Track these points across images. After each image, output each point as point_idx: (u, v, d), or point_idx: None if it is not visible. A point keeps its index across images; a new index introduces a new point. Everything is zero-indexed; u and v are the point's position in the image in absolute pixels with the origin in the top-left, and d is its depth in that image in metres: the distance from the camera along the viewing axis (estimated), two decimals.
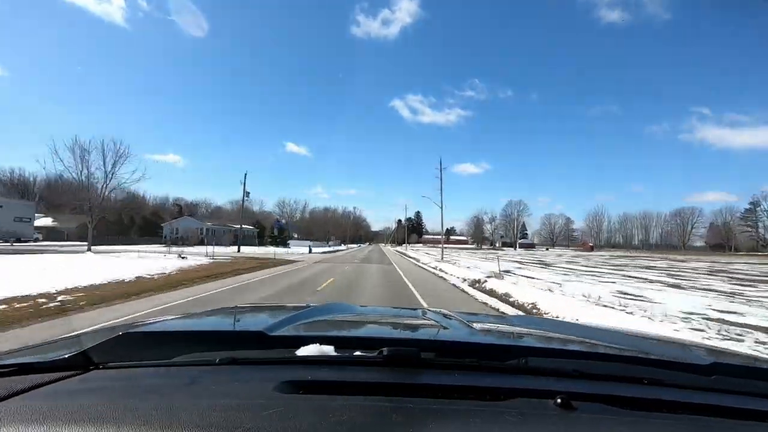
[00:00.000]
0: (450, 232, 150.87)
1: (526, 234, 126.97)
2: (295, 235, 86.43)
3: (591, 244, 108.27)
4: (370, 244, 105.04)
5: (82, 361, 0.86)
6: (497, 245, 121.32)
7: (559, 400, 0.69)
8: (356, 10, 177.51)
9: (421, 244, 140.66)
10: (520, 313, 8.16)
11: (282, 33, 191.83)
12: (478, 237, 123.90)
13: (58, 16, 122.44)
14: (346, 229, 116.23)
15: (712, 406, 0.74)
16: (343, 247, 77.17)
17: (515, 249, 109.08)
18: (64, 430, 0.56)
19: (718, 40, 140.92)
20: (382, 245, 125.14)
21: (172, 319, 1.44)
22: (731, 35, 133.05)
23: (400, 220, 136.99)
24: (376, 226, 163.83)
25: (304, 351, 0.88)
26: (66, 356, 0.86)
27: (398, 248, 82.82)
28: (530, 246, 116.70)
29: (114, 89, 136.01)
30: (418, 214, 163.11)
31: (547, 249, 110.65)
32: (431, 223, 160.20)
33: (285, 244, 56.73)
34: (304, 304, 1.69)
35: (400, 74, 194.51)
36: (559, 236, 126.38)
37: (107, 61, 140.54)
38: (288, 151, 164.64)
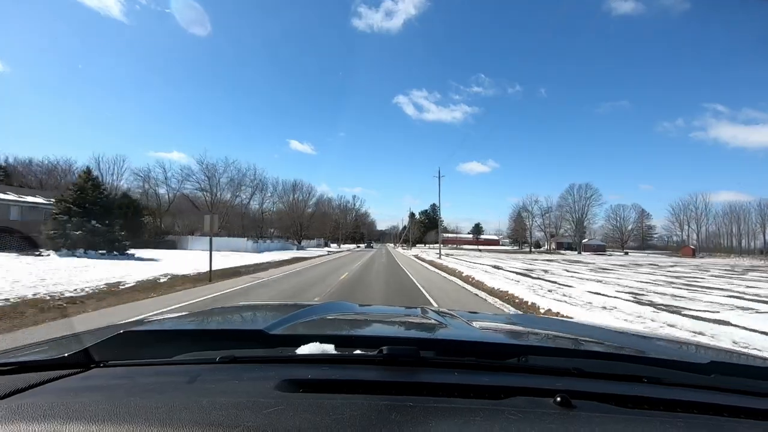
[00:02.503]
0: (477, 230, 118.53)
1: (583, 232, 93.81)
2: (272, 231, 54.76)
3: (692, 247, 75.46)
4: (369, 246, 70.90)
5: (83, 360, 0.87)
6: (548, 247, 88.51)
7: (558, 399, 0.68)
8: (357, 1, 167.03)
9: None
10: None
11: (281, 25, 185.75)
12: (520, 237, 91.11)
13: (54, 9, 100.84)
14: (342, 225, 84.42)
15: (710, 405, 0.74)
16: (324, 251, 44.75)
17: (579, 253, 76.53)
18: (65, 428, 0.56)
19: (733, 34, 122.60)
20: (390, 246, 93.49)
21: (172, 317, 1.46)
22: (748, 28, 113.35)
23: (412, 213, 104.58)
24: (381, 225, 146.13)
25: (304, 349, 0.89)
26: (67, 354, 0.86)
27: (419, 253, 50.33)
28: (599, 249, 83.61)
29: (113, 86, 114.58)
30: (434, 206, 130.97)
31: (626, 253, 77.82)
32: (448, 219, 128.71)
33: (118, 248, 20.68)
34: (305, 303, 1.68)
35: (403, 70, 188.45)
36: (631, 235, 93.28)
37: (107, 59, 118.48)
38: (292, 149, 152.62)
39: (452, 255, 45.74)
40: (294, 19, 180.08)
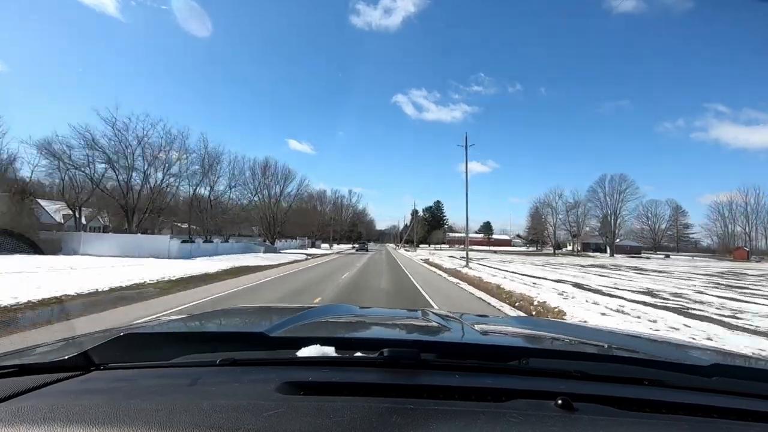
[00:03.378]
0: (488, 229, 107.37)
1: (615, 231, 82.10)
2: (250, 227, 43.64)
3: (747, 249, 64.31)
4: (363, 247, 53.02)
5: (83, 362, 0.86)
6: (574, 248, 77.26)
7: (560, 401, 0.68)
8: None
9: (447, 245, 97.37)
10: None
11: (278, 23, 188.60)
12: (540, 236, 79.82)
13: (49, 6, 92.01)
14: (336, 222, 73.21)
15: (712, 407, 0.73)
16: (301, 256, 33.56)
17: (611, 255, 65.38)
18: (65, 430, 0.56)
19: (736, 32, 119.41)
20: (391, 247, 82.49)
21: (172, 320, 1.47)
22: (750, 26, 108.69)
23: (415, 211, 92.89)
24: (380, 225, 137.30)
25: (304, 352, 0.90)
26: (67, 357, 0.86)
27: (428, 257, 39.41)
28: (634, 251, 72.27)
29: (108, 84, 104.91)
30: (438, 204, 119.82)
31: (666, 256, 66.67)
32: (452, 219, 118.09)
33: None
34: (305, 305, 1.73)
35: (402, 68, 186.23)
36: (664, 235, 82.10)
37: (102, 56, 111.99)
38: (291, 149, 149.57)
39: (473, 260, 34.73)
40: (290, 16, 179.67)
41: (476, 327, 1.30)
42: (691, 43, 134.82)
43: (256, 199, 38.78)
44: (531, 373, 0.88)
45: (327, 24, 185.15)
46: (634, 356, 0.99)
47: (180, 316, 1.49)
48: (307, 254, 34.12)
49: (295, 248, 45.00)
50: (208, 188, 31.21)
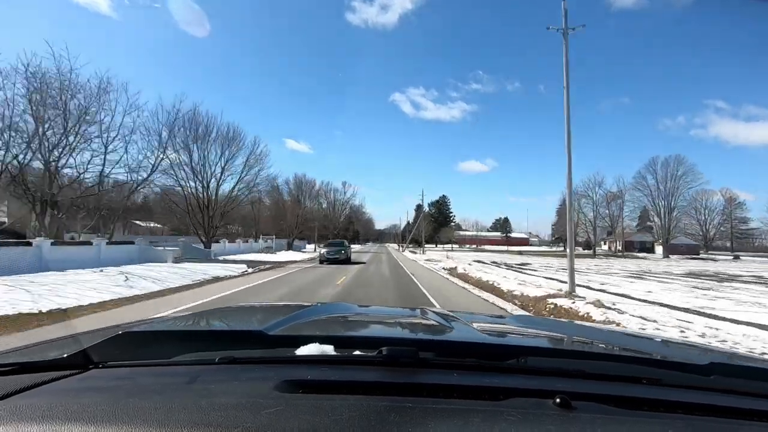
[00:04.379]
0: (504, 227, 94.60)
1: (651, 226, 68.90)
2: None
3: None
4: (337, 254, 22.99)
5: (81, 360, 0.86)
6: (614, 248, 64.39)
7: (558, 400, 0.68)
8: None
9: (457, 245, 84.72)
10: None
11: (274, 21, 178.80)
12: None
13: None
14: (330, 218, 60.56)
15: (710, 406, 0.73)
16: (234, 269, 20.35)
17: (665, 256, 52.67)
18: (63, 428, 0.56)
19: (738, 27, 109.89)
20: (392, 247, 69.94)
21: (171, 318, 1.45)
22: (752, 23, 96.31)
23: (419, 205, 79.80)
24: (380, 225, 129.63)
25: (303, 350, 0.90)
26: (65, 355, 0.87)
27: (451, 263, 26.72)
28: (691, 251, 59.16)
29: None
30: (444, 198, 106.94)
31: (736, 257, 53.87)
32: (462, 213, 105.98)
33: None
34: (305, 304, 1.68)
35: (400, 67, 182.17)
36: (717, 231, 69.20)
37: (96, 56, 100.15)
38: (289, 149, 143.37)
39: (528, 267, 22.20)
40: (286, 13, 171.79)
41: (475, 326, 1.29)
42: (691, 39, 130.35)
43: (164, 161, 22.48)
44: (529, 372, 0.88)
45: (323, 21, 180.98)
46: (633, 355, 0.99)
47: (179, 315, 1.44)
48: (257, 262, 21.18)
49: (256, 251, 32.17)
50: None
